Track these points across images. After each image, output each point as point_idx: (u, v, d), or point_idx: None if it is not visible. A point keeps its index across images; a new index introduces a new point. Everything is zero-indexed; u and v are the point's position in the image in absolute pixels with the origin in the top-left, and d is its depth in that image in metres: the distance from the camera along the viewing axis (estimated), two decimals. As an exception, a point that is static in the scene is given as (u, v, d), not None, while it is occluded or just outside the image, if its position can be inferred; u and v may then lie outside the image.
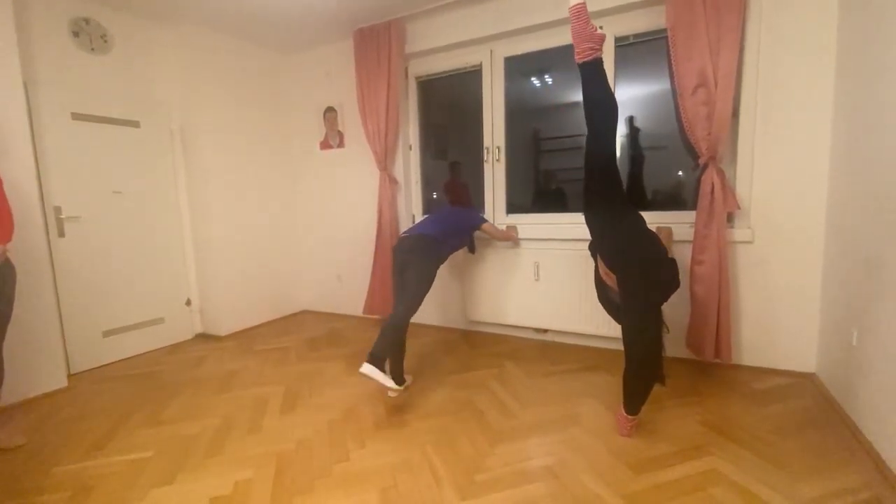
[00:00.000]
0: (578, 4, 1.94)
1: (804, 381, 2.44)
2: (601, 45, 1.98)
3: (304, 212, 4.37)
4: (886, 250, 1.72)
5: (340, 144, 4.03)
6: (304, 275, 4.43)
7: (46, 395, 2.64)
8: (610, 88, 2.09)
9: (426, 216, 2.91)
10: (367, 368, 2.14)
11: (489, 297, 3.35)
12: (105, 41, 3.11)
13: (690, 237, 2.57)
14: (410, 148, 3.78)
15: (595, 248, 2.17)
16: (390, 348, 2.33)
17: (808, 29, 2.32)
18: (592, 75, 1.99)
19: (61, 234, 2.88)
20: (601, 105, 2.01)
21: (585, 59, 1.97)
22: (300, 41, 3.88)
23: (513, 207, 3.38)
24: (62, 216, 2.88)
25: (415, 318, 3.67)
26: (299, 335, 3.69)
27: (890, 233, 1.69)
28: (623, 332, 1.94)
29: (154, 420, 2.31)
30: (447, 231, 2.64)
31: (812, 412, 2.12)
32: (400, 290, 2.50)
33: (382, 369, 2.20)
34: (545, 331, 3.25)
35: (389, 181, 3.60)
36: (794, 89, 2.39)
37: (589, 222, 2.11)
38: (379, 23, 3.43)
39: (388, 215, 3.60)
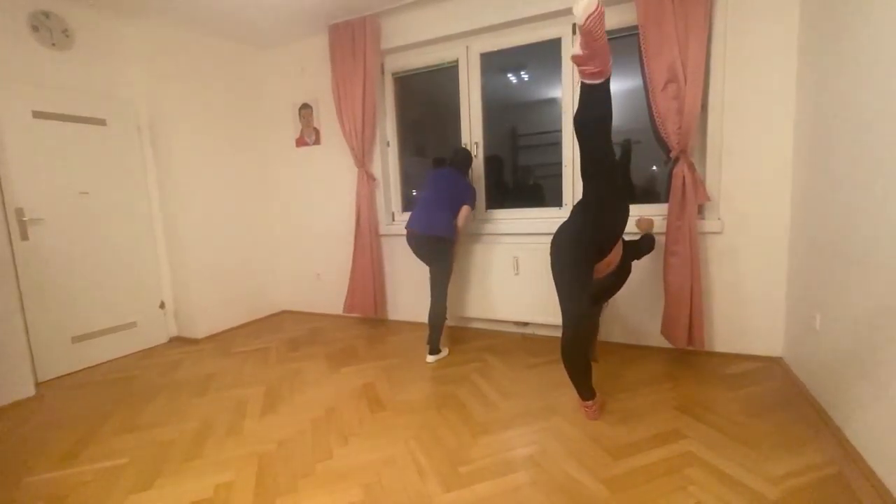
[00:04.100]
0: (595, 13, 1.54)
1: (772, 365, 2.54)
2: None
3: (280, 210, 4.29)
4: (845, 239, 1.81)
5: (316, 141, 3.98)
6: (282, 274, 4.36)
7: (13, 405, 2.53)
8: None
9: (427, 194, 2.93)
10: (431, 358, 2.88)
11: (471, 293, 3.36)
12: (67, 36, 2.99)
13: (664, 229, 2.64)
14: (388, 144, 3.76)
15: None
16: (440, 333, 2.91)
17: (770, 25, 2.41)
18: (607, 91, 1.80)
19: (24, 237, 2.77)
20: (607, 117, 1.85)
21: (605, 78, 1.75)
22: (273, 36, 3.80)
23: (492, 202, 3.41)
24: (25, 218, 2.76)
25: (400, 316, 3.73)
26: (279, 335, 3.63)
27: (848, 222, 1.78)
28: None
29: (129, 426, 2.25)
30: (451, 212, 2.85)
31: (779, 394, 2.21)
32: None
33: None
34: (525, 324, 3.30)
35: (367, 178, 3.58)
36: (758, 85, 2.47)
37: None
38: (354, 18, 3.40)
39: (366, 212, 3.58)
